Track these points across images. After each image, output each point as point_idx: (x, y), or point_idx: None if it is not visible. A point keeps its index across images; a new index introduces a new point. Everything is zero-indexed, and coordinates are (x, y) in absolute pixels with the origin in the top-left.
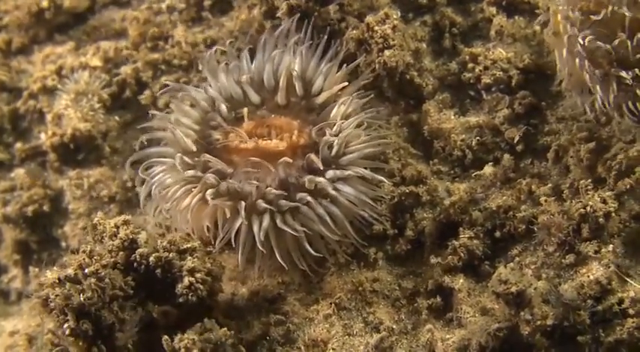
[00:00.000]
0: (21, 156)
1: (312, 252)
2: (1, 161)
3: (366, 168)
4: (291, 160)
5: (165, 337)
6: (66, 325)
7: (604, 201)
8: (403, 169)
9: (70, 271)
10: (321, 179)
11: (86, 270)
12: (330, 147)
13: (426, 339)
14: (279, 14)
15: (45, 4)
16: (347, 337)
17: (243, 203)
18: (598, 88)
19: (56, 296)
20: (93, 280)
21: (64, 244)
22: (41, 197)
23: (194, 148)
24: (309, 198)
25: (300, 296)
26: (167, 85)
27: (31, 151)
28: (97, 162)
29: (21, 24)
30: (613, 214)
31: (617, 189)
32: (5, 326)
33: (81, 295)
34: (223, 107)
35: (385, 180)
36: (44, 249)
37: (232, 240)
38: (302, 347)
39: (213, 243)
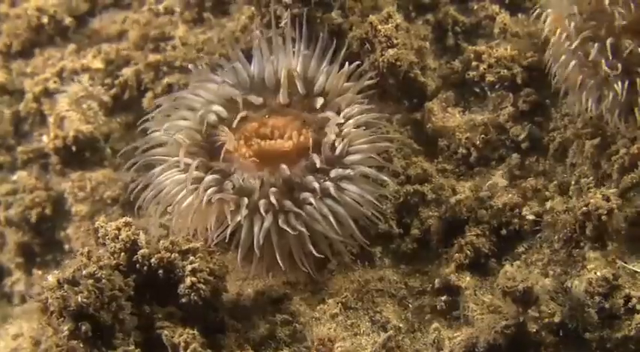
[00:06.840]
0: (23, 158)
1: (315, 252)
2: (3, 164)
3: (370, 167)
4: (288, 172)
5: (166, 332)
6: (65, 327)
7: (607, 199)
8: (408, 168)
9: (68, 273)
10: (316, 184)
11: (83, 272)
12: (333, 147)
13: (433, 338)
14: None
15: (45, 20)
16: (354, 336)
17: (245, 199)
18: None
19: (55, 298)
20: (90, 281)
21: (67, 247)
22: (44, 199)
23: (188, 160)
24: (311, 199)
25: (306, 295)
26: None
27: (33, 154)
28: (99, 164)
29: (20, 34)
30: (616, 211)
31: (622, 185)
32: (9, 329)
33: (78, 296)
34: (220, 109)
35: (389, 180)
36: (47, 252)
37: (229, 238)
38: (309, 347)
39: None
